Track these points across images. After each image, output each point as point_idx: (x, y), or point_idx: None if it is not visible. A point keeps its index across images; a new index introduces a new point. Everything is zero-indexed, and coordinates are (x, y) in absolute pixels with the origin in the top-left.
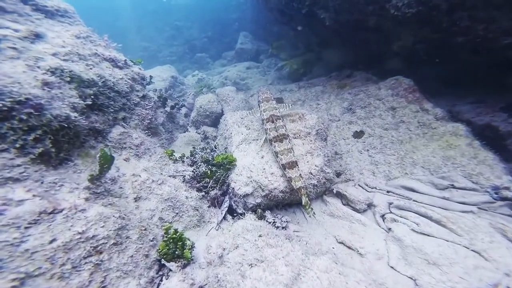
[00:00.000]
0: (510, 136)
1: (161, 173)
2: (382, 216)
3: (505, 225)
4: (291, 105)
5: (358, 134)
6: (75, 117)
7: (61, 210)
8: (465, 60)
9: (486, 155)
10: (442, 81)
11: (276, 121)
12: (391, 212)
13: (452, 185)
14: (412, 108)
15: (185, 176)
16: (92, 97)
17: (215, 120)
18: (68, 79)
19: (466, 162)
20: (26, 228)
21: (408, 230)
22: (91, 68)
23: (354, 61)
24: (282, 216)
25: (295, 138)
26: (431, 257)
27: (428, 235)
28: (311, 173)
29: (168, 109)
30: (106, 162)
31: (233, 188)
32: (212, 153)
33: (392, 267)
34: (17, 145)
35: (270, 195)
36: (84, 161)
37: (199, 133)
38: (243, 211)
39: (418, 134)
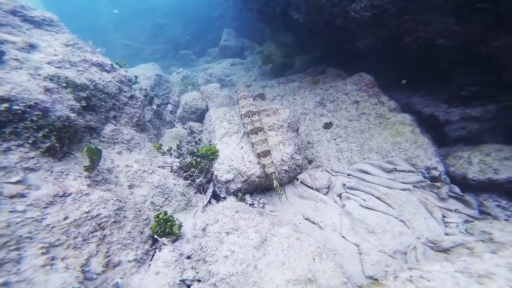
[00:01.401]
0: (447, 123)
1: (151, 164)
2: (339, 195)
3: (428, 199)
4: (265, 101)
5: (327, 125)
6: (74, 117)
7: (70, 194)
8: (417, 57)
9: (423, 140)
10: (403, 75)
11: (252, 116)
12: (346, 192)
13: (395, 168)
14: (372, 101)
15: (172, 166)
16: (86, 99)
17: (200, 115)
18: (64, 84)
19: (408, 146)
20: (44, 207)
21: (357, 205)
22: (82, 73)
23: (328, 57)
24: (260, 199)
25: (270, 130)
26: (371, 226)
27: (371, 209)
28: (283, 160)
29: (154, 107)
30: (94, 154)
31: (216, 176)
32: (196, 146)
33: (343, 236)
34: (30, 141)
35: (249, 180)
36: (82, 154)
37: (185, 129)
38: (226, 195)
39: (375, 124)
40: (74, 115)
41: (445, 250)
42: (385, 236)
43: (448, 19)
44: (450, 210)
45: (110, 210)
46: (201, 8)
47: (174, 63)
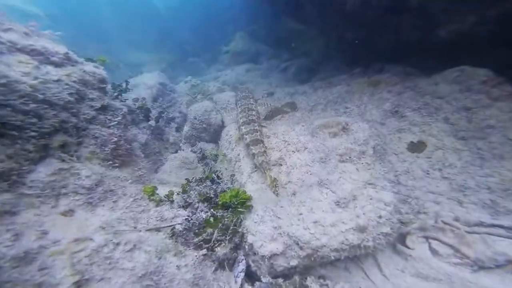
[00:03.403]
0: None
1: (135, 227)
2: None
3: None
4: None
5: (416, 147)
6: None
7: None
8: None
9: None
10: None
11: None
12: None
13: None
14: (502, 107)
15: (174, 227)
16: None
17: (214, 134)
18: None
19: None
20: None
21: None
22: None
23: (374, 55)
24: (335, 284)
25: (343, 161)
26: None
27: None
28: (380, 217)
29: (152, 123)
30: None
31: (252, 244)
32: (214, 187)
33: None
34: None
35: (315, 256)
36: None
37: (194, 152)
38: (269, 279)
39: None
40: None
41: None
42: None
43: None
44: None
45: None
46: (211, 13)
47: (182, 72)
